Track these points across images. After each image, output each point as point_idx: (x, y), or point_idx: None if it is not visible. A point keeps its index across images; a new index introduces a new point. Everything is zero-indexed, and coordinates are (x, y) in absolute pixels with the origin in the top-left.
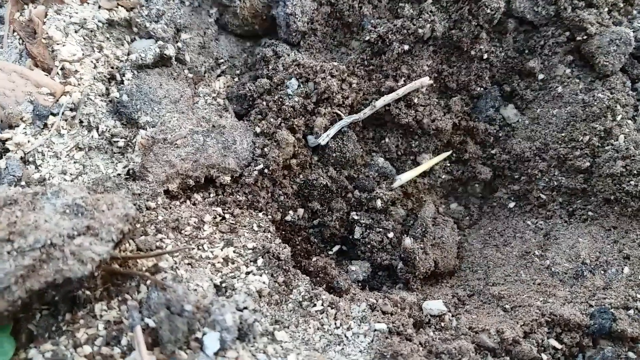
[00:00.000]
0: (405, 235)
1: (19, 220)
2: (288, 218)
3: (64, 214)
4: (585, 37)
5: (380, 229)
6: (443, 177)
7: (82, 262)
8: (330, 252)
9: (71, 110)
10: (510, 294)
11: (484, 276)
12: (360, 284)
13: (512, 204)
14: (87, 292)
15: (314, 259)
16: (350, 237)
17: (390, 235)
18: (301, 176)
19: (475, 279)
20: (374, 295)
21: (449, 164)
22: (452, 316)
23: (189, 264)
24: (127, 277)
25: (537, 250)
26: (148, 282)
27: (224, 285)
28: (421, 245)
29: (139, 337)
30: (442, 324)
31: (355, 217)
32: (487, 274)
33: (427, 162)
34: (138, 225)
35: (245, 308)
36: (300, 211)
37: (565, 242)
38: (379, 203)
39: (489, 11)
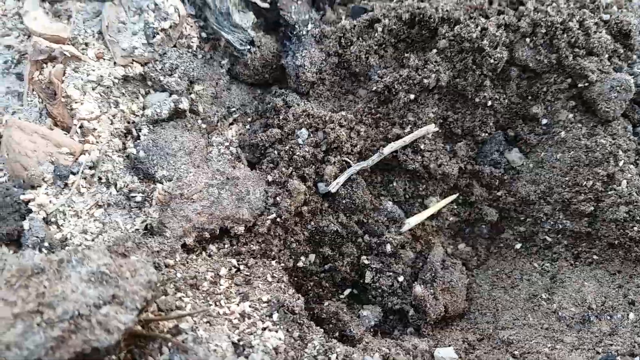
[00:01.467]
0: (415, 281)
1: (47, 290)
2: (300, 264)
3: (90, 282)
4: (586, 84)
5: (391, 273)
6: (450, 219)
7: (109, 331)
8: (342, 296)
9: (90, 168)
10: (519, 340)
11: (492, 319)
12: (371, 329)
13: (518, 245)
14: (113, 357)
15: (326, 303)
16: (361, 281)
17: (401, 279)
18: (312, 223)
19: (484, 322)
20: (387, 343)
21: (455, 207)
22: None
23: (207, 322)
24: (149, 339)
25: (544, 294)
26: (170, 344)
27: (241, 343)
28: (431, 291)
29: None
30: None
31: (366, 262)
32: (496, 317)
33: (435, 206)
34: (158, 284)
35: None
36: (312, 257)
37: (572, 286)
38: (388, 247)
39: (492, 61)
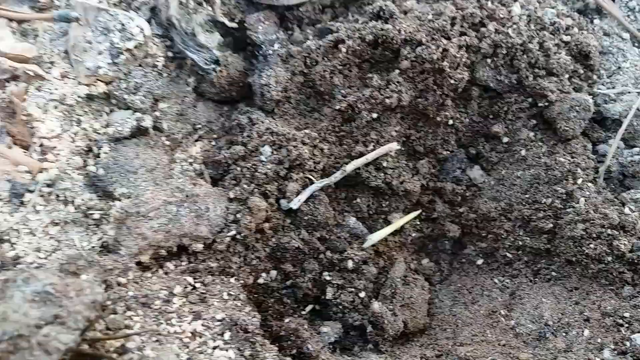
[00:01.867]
0: (374, 298)
1: None
2: (260, 281)
3: (33, 302)
4: (546, 104)
5: (352, 289)
6: (413, 235)
7: (48, 352)
8: (303, 312)
9: (48, 186)
10: (476, 356)
11: (452, 335)
12: (331, 346)
13: (480, 261)
14: None
15: (287, 320)
16: (323, 297)
17: (362, 294)
18: (274, 239)
19: (444, 338)
20: (342, 359)
21: (418, 223)
22: None
23: (156, 341)
24: (95, 358)
25: (503, 310)
26: None
27: None
28: (390, 307)
29: None
30: None
31: (328, 278)
32: (456, 333)
33: (397, 222)
34: (109, 303)
35: None
36: (273, 273)
37: (530, 302)
38: (350, 263)
39: (452, 81)
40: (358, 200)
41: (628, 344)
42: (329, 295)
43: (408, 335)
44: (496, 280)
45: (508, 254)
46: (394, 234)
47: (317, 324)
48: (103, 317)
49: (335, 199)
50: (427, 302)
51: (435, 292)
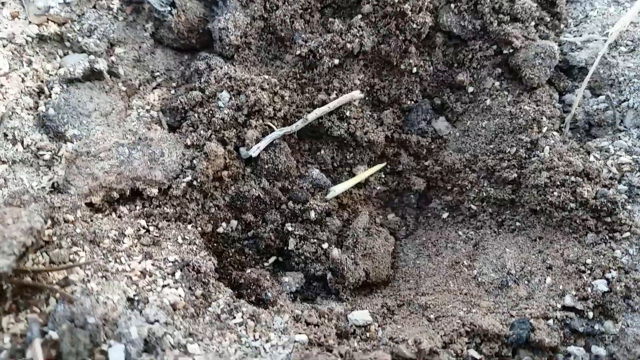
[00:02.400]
0: (335, 246)
1: None
2: (220, 230)
3: None
4: (511, 51)
5: (315, 240)
6: (378, 188)
7: None
8: (266, 264)
9: None
10: (437, 304)
11: (414, 286)
12: (293, 295)
13: (445, 215)
14: None
15: (248, 270)
16: (286, 248)
17: (325, 246)
18: (233, 188)
19: (406, 288)
20: (302, 306)
21: (383, 175)
22: (379, 326)
23: (103, 277)
24: (36, 290)
25: (466, 260)
26: (57, 295)
27: (137, 298)
28: (351, 255)
29: (36, 351)
30: (368, 334)
31: (290, 229)
32: (418, 283)
33: (362, 174)
34: (54, 239)
35: (157, 321)
36: (234, 223)
37: (493, 252)
38: (312, 214)
39: (415, 26)
40: (322, 152)
41: (589, 289)
42: (291, 246)
43: (371, 286)
44: (460, 233)
45: (472, 206)
46: (359, 187)
47: (279, 274)
48: (47, 251)
49: (299, 150)
50: (390, 254)
51: (400, 247)
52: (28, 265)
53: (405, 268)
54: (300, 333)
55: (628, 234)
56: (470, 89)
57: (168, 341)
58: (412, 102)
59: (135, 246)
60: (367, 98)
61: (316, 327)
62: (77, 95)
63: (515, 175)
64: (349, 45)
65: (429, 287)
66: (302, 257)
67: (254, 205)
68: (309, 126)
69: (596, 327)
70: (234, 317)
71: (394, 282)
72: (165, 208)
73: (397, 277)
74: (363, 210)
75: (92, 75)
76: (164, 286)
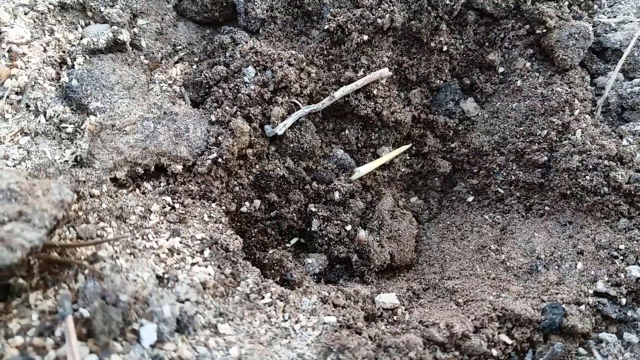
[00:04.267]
0: (361, 227)
1: None
2: (244, 209)
3: None
4: (544, 31)
5: (338, 222)
6: (403, 170)
7: (12, 249)
8: (288, 245)
9: (17, 94)
10: (464, 288)
11: (439, 270)
12: (316, 277)
13: (470, 198)
14: (22, 281)
15: (271, 251)
16: (308, 229)
17: (348, 227)
18: (257, 166)
19: (431, 272)
20: (328, 288)
21: (408, 157)
22: (405, 309)
23: (131, 253)
24: (64, 265)
25: (493, 245)
26: (86, 271)
27: (166, 276)
28: (377, 238)
29: (69, 328)
30: (395, 318)
31: (313, 209)
32: (443, 267)
33: (387, 155)
34: (80, 213)
35: (187, 300)
36: (257, 202)
37: (521, 237)
38: (337, 195)
39: (448, 2)
40: (347, 131)
41: (622, 275)
42: (314, 227)
43: (395, 269)
44: (487, 217)
45: (500, 190)
46: (382, 168)
47: (301, 256)
48: (74, 226)
49: (323, 129)
50: (414, 237)
51: (423, 230)
52: (55, 240)
53: (429, 252)
54: (329, 315)
55: None
56: (501, 69)
57: (199, 320)
58: (441, 81)
59: (162, 223)
60: (394, 76)
61: (343, 309)
62: (100, 67)
63: (546, 158)
64: (379, 21)
65: (455, 271)
66: (326, 239)
67: (277, 184)
68: (334, 104)
69: (629, 313)
70: (263, 297)
71: (417, 266)
72: (190, 185)
73: (421, 261)
74: (387, 192)
75: (115, 46)
76: (193, 264)
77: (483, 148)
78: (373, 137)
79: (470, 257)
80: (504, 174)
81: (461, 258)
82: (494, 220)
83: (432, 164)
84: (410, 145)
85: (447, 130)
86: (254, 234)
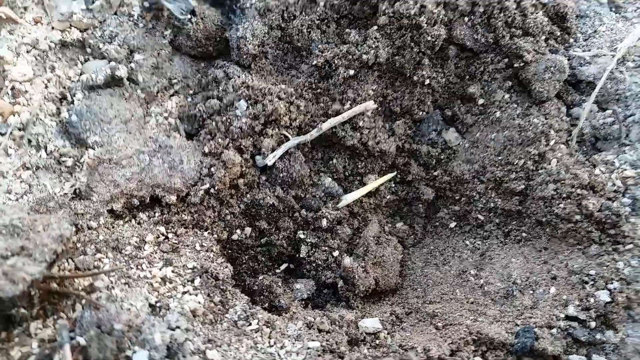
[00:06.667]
0: (346, 254)
1: None
2: (235, 237)
3: (0, 235)
4: (522, 64)
5: (326, 248)
6: (388, 197)
7: (14, 282)
8: (278, 270)
9: (20, 130)
10: (444, 312)
11: (422, 294)
12: (304, 302)
13: (453, 224)
14: (23, 311)
15: (261, 277)
16: (297, 255)
17: (336, 253)
18: (248, 196)
19: (414, 297)
20: (314, 313)
21: (393, 185)
22: (388, 334)
23: (125, 283)
24: (63, 296)
25: (472, 270)
26: (83, 301)
27: (158, 304)
28: (362, 264)
29: (66, 356)
30: (377, 342)
31: (302, 236)
32: (426, 292)
33: (372, 183)
34: (78, 245)
35: (178, 327)
36: (248, 230)
37: (499, 262)
38: (324, 222)
39: (429, 38)
40: (334, 160)
41: (592, 300)
42: (302, 254)
43: (380, 294)
44: (468, 242)
45: (480, 216)
46: (369, 196)
47: (291, 281)
48: (72, 257)
49: (312, 159)
50: (399, 263)
51: (408, 255)
52: (54, 272)
53: (413, 276)
54: (313, 340)
55: (631, 245)
56: (481, 101)
57: (189, 347)
58: (424, 112)
59: (156, 253)
60: (379, 108)
61: (328, 333)
62: (99, 102)
63: (523, 186)
64: (364, 57)
65: (437, 296)
66: (314, 265)
67: (268, 212)
68: (322, 135)
69: (597, 336)
70: (250, 324)
71: (402, 290)
72: (184, 215)
73: (405, 285)
74: (373, 218)
75: (113, 81)
76: (184, 293)
77: (464, 176)
78: (360, 166)
79: (451, 281)
80: (484, 201)
81: (443, 282)
82: (474, 246)
83: (416, 191)
84: (395, 173)
85: (430, 159)
86: (244, 261)
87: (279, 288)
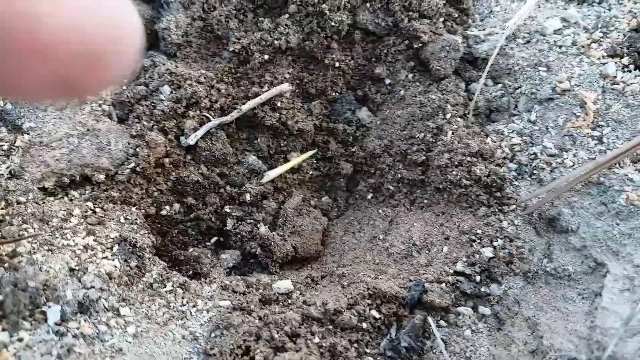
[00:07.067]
0: (265, 225)
1: None
2: (164, 212)
3: None
4: (420, 45)
5: (251, 220)
6: (311, 173)
7: None
8: (208, 244)
9: None
10: (351, 273)
11: (338, 259)
12: (229, 270)
13: (370, 196)
14: None
15: (191, 249)
16: (225, 228)
17: (260, 225)
18: (174, 174)
19: (331, 262)
20: (232, 278)
21: (315, 161)
22: (300, 294)
23: (49, 250)
24: None
25: (381, 235)
26: (5, 264)
27: (77, 268)
28: (280, 233)
29: None
30: (289, 301)
31: (228, 210)
32: (342, 257)
33: (294, 160)
34: (7, 218)
35: (92, 287)
36: (177, 206)
37: (404, 227)
38: (247, 197)
39: (333, 24)
40: (258, 140)
41: (477, 256)
42: (229, 226)
43: (302, 260)
44: (380, 211)
45: (390, 187)
46: (293, 172)
47: (219, 252)
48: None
49: (238, 139)
50: (319, 232)
51: (332, 226)
52: None
53: (333, 244)
54: (224, 299)
55: (514, 206)
56: (388, 81)
57: (102, 304)
58: (337, 93)
59: (81, 224)
60: (297, 90)
61: (242, 295)
62: None
63: (424, 157)
64: (276, 42)
65: (350, 260)
66: (239, 236)
67: (194, 189)
68: (246, 116)
69: (483, 289)
70: (165, 286)
71: (323, 257)
72: (112, 192)
73: (326, 252)
74: (297, 193)
75: None
76: (102, 258)
77: (376, 151)
78: (282, 145)
79: (364, 246)
80: (393, 172)
81: (357, 248)
82: (385, 214)
83: (336, 167)
84: (315, 150)
85: (347, 137)
86: (174, 234)
87: (207, 258)
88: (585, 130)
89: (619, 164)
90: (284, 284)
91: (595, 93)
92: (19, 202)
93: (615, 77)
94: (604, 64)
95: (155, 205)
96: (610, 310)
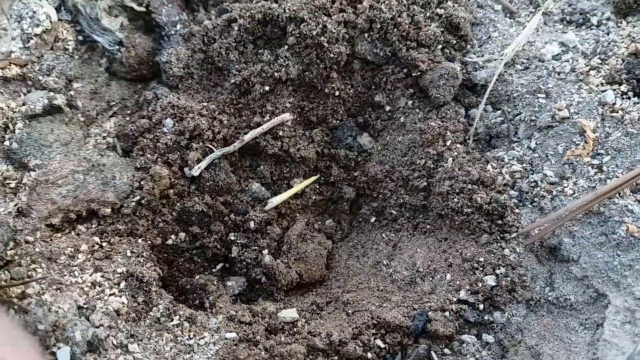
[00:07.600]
0: (269, 252)
1: None
2: (169, 242)
3: None
4: (419, 73)
5: (256, 247)
6: (314, 197)
7: None
8: (214, 270)
9: None
10: (356, 300)
11: (343, 284)
12: (236, 297)
13: (373, 219)
14: None
15: (197, 276)
16: (230, 255)
17: (265, 252)
18: (179, 204)
19: (336, 287)
20: (238, 307)
21: (318, 186)
22: (306, 322)
23: (57, 289)
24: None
25: (385, 260)
26: (16, 307)
27: (85, 306)
28: (285, 260)
29: None
30: (295, 330)
31: (233, 238)
32: (346, 282)
33: (297, 186)
34: (16, 258)
35: (101, 325)
36: (182, 235)
37: (407, 252)
38: (252, 224)
39: (332, 55)
40: (261, 167)
41: (480, 284)
42: (234, 254)
43: (307, 285)
44: (383, 235)
45: (393, 211)
46: (296, 197)
47: (225, 279)
48: (8, 269)
49: (241, 167)
50: (324, 257)
51: (336, 249)
52: None
53: (338, 268)
54: (231, 331)
55: (515, 234)
56: (387, 108)
57: (111, 342)
58: (338, 121)
59: (88, 260)
60: (298, 119)
61: (248, 325)
62: (39, 129)
63: (425, 183)
64: (276, 74)
65: (354, 285)
66: (244, 263)
67: (199, 218)
68: (248, 145)
69: (486, 317)
70: (172, 320)
71: (327, 282)
72: (118, 225)
73: (331, 277)
74: (300, 218)
75: (52, 109)
76: (110, 295)
77: (377, 176)
78: (285, 171)
79: (368, 271)
80: (395, 197)
81: (361, 273)
82: (388, 238)
83: (339, 191)
84: (318, 176)
85: (349, 162)
86: (181, 263)
87: (213, 286)
88: (585, 158)
89: (619, 194)
90: (289, 313)
91: (595, 121)
92: (27, 242)
93: (614, 104)
94: (602, 92)
95: (161, 235)
96: (612, 343)
